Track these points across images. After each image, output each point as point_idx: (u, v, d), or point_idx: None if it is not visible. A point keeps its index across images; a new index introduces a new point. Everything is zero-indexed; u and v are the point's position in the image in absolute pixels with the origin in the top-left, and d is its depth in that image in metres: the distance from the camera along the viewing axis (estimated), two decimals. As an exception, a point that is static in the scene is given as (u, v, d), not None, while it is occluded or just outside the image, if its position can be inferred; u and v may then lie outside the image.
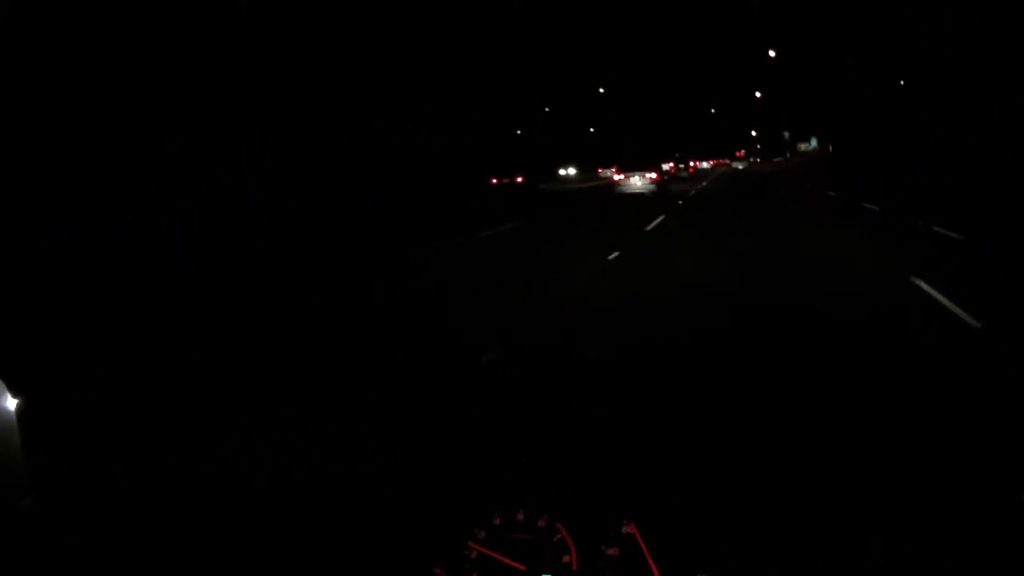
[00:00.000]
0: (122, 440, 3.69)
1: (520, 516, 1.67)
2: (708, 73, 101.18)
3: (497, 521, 1.67)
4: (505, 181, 50.92)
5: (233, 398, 4.90)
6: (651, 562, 1.57)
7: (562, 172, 74.54)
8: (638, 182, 38.10)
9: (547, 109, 63.33)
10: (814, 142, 75.99)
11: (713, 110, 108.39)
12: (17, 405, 1.43)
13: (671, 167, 63.47)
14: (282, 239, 19.41)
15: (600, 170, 68.55)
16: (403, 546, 1.67)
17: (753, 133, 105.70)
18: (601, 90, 74.86)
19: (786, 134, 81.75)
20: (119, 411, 4.51)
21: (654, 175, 39.22)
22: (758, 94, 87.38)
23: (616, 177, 41.02)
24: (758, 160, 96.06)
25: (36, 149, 19.31)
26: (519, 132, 58.20)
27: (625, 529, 1.61)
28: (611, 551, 1.60)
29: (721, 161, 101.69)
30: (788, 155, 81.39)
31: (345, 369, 5.82)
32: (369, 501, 1.76)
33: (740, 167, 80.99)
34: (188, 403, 4.66)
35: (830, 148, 57.83)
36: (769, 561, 1.54)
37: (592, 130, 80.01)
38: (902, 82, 39.18)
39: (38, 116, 19.51)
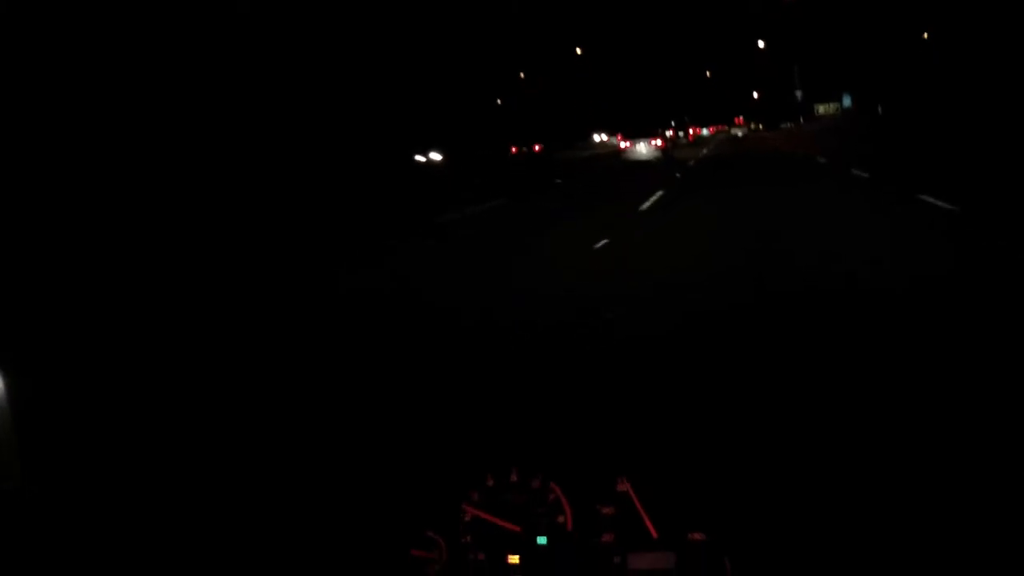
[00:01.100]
0: (116, 437, 3.75)
1: (513, 477, 1.71)
2: (702, 24, 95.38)
3: (490, 483, 1.71)
4: (524, 150, 53.56)
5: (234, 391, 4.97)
6: (647, 520, 1.61)
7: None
8: (644, 149, 39.09)
9: (522, 75, 62.62)
10: (847, 101, 62.49)
11: (708, 73, 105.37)
12: (4, 383, 1.46)
13: (671, 134, 63.73)
14: (280, 241, 19.55)
15: (607, 137, 68.47)
16: (397, 510, 1.71)
17: (755, 95, 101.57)
18: (579, 50, 71.82)
19: (798, 94, 71.78)
20: (112, 408, 4.56)
21: (659, 142, 40.29)
22: (761, 43, 78.31)
23: (622, 145, 42.07)
24: (760, 127, 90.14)
25: (35, 149, 19.54)
26: (499, 102, 58.19)
27: (620, 487, 1.65)
28: (606, 510, 1.64)
29: (721, 128, 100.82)
30: (802, 120, 70.76)
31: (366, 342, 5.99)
32: (361, 471, 1.80)
33: (739, 134, 78.66)
34: (187, 400, 4.72)
35: (879, 109, 47.02)
36: (763, 520, 1.58)
37: (580, 98, 78.15)
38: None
39: (36, 115, 19.74)
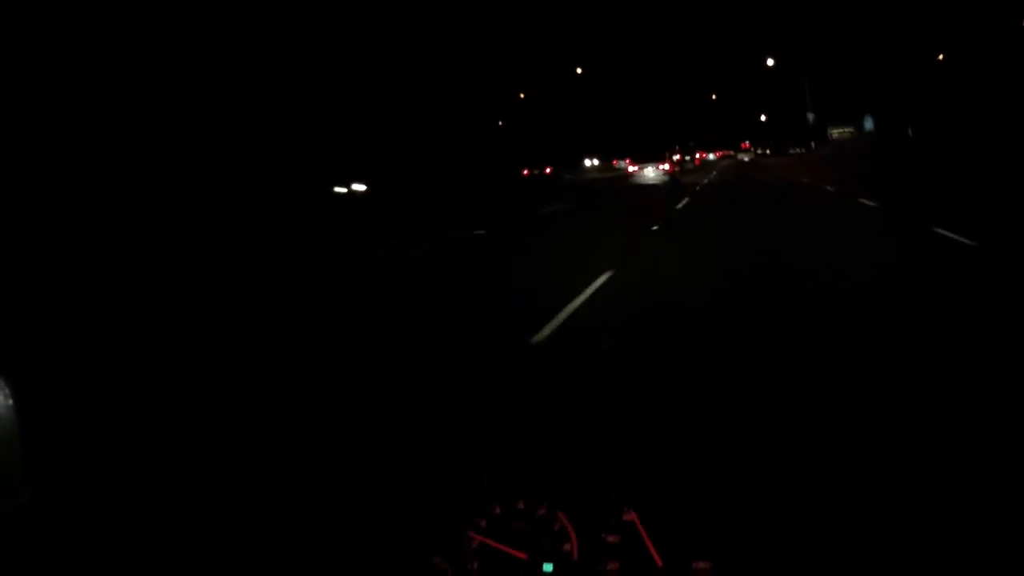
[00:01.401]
0: (114, 441, 3.75)
1: (520, 505, 1.72)
2: (709, 43, 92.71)
3: (497, 510, 1.71)
4: (535, 172, 55.85)
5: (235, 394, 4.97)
6: (652, 549, 1.61)
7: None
8: (651, 173, 39.82)
9: (522, 96, 62.47)
10: (868, 123, 55.19)
11: (714, 96, 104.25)
12: (6, 395, 1.47)
13: (678, 158, 64.39)
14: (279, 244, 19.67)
15: (615, 162, 68.73)
16: (404, 536, 1.72)
17: (763, 118, 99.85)
18: (579, 70, 70.01)
19: (810, 116, 66.28)
20: (111, 413, 4.57)
21: (667, 167, 41.06)
22: (770, 62, 71.20)
23: (631, 169, 42.97)
24: (767, 152, 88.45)
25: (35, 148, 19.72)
26: (500, 124, 58.28)
27: (626, 517, 1.65)
28: (611, 539, 1.64)
29: (727, 152, 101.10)
30: (813, 145, 66.09)
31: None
32: (369, 494, 1.80)
33: (746, 159, 78.89)
34: (188, 402, 4.73)
35: (909, 132, 41.22)
36: (768, 549, 1.58)
37: (587, 121, 77.31)
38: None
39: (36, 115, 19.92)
